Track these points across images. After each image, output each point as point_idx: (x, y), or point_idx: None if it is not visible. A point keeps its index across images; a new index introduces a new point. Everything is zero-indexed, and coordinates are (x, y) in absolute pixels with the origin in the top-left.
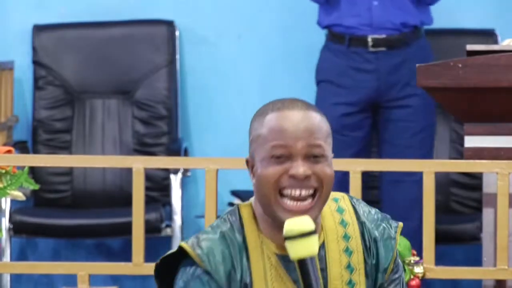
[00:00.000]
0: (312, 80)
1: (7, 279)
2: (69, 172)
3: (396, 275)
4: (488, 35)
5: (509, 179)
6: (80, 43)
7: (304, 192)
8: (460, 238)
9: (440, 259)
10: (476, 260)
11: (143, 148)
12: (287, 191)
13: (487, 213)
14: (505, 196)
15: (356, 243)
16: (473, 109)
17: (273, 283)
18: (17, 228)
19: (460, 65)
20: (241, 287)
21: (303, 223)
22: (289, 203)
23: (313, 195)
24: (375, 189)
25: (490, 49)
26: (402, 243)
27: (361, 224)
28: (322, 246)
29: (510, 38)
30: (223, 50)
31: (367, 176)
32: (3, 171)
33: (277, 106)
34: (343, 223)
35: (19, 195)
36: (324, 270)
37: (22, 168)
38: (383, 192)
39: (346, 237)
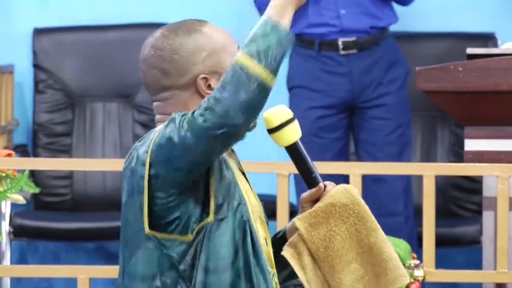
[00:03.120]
0: (280, 86)
1: (7, 282)
2: (69, 175)
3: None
4: (488, 38)
5: (509, 182)
6: (80, 46)
7: None
8: (460, 241)
9: (440, 263)
10: (476, 264)
11: None
12: None
13: (487, 217)
14: (505, 200)
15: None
16: (473, 112)
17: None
18: (17, 232)
19: (460, 69)
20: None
21: (283, 111)
22: None
23: None
24: None
25: (490, 53)
26: (403, 246)
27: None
28: None
29: (510, 42)
30: None
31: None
32: (3, 174)
33: (199, 22)
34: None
35: (19, 198)
36: None
37: (23, 171)
38: (365, 189)
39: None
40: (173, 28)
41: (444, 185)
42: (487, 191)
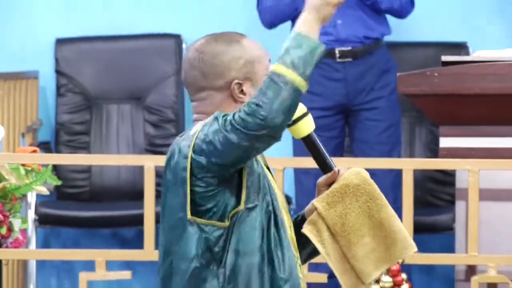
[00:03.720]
0: None
1: (33, 264)
2: (87, 169)
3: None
4: (461, 47)
5: (479, 175)
6: (97, 54)
7: None
8: (435, 228)
9: (418, 247)
10: (449, 248)
11: (153, 148)
12: None
13: (459, 206)
14: (475, 191)
15: None
16: (448, 113)
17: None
18: (41, 220)
19: (436, 74)
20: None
21: (299, 107)
22: None
23: None
24: None
25: (462, 60)
26: None
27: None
28: None
29: (481, 50)
30: None
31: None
32: (29, 168)
33: (237, 35)
34: None
35: (43, 190)
36: None
37: (46, 166)
38: None
39: None
40: (216, 37)
41: (421, 178)
42: (459, 183)
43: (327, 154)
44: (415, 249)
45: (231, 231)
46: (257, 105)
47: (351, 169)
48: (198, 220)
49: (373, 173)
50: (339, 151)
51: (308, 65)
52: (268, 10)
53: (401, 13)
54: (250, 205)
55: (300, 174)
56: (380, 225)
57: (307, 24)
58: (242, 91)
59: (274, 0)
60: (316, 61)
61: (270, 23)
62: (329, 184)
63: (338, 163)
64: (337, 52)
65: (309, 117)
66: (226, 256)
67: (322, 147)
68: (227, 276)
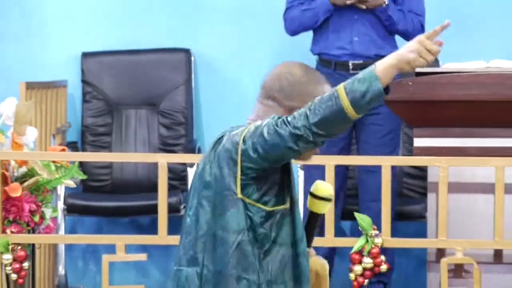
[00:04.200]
0: None
1: (62, 248)
2: (109, 165)
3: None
4: None
5: (448, 171)
6: (117, 66)
7: None
8: (410, 216)
9: (395, 233)
10: (422, 234)
11: (166, 147)
12: None
13: (431, 198)
14: (445, 184)
15: None
16: (420, 117)
17: None
18: (69, 209)
19: (410, 83)
20: None
21: (331, 191)
22: None
23: None
24: (353, 179)
25: (433, 71)
26: (366, 220)
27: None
28: None
29: (449, 63)
30: (228, 71)
31: (347, 169)
32: (59, 165)
33: (323, 79)
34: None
35: (71, 183)
36: None
37: (73, 162)
38: (359, 180)
39: None
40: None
41: (398, 173)
42: (431, 178)
43: (313, 235)
44: None
45: (274, 221)
46: (310, 110)
47: (319, 259)
48: (246, 199)
49: (373, 170)
50: (346, 150)
51: (362, 99)
52: (293, 20)
53: (413, 36)
54: (292, 205)
55: (308, 170)
56: None
57: (386, 67)
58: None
59: (299, 11)
60: (371, 100)
61: (293, 31)
62: None
63: (328, 159)
64: (350, 64)
65: (329, 204)
66: (266, 242)
67: (316, 229)
68: (264, 258)
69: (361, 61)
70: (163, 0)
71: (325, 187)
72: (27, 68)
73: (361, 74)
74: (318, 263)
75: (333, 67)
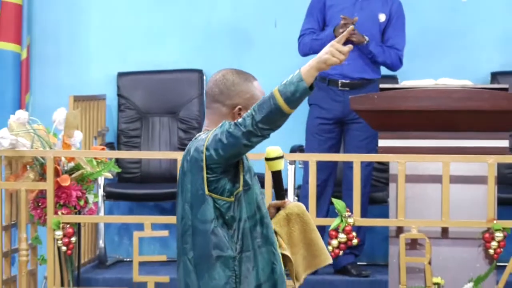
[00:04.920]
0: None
1: (101, 226)
2: (138, 161)
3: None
4: (393, 78)
5: (405, 165)
6: (145, 83)
7: None
8: (375, 201)
9: (365, 214)
10: (385, 215)
11: (183, 147)
12: None
13: (392, 186)
14: (403, 176)
15: None
16: (383, 123)
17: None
18: (107, 195)
19: (376, 97)
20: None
21: (278, 151)
22: None
23: None
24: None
25: (393, 87)
26: (341, 204)
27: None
28: None
29: (406, 81)
30: None
31: (336, 164)
32: (99, 160)
33: (252, 77)
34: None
35: (109, 175)
36: None
37: (111, 159)
38: (343, 174)
39: None
40: (240, 72)
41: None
42: (392, 171)
43: (283, 188)
44: (331, 260)
45: (236, 205)
46: (254, 111)
47: (293, 203)
48: (213, 195)
49: (352, 166)
50: (335, 148)
51: (293, 97)
52: (305, 45)
53: (392, 67)
54: (246, 187)
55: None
56: (311, 242)
57: (308, 68)
58: (239, 115)
59: (310, 40)
60: (301, 96)
61: (304, 54)
62: (277, 208)
63: (311, 156)
64: (339, 83)
65: (282, 161)
66: (233, 222)
67: (282, 182)
68: (234, 235)
69: (348, 81)
70: (182, 31)
71: (273, 149)
72: (75, 84)
73: (290, 77)
74: (294, 206)
75: (327, 83)
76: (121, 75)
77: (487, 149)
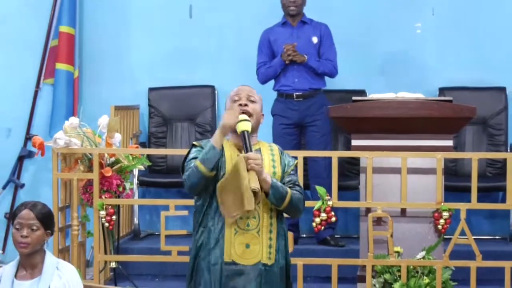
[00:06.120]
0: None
1: (136, 207)
2: (164, 157)
3: (291, 177)
4: (362, 92)
5: (373, 160)
6: (170, 95)
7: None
8: (349, 188)
9: (340, 198)
10: (356, 198)
11: None
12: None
13: (362, 176)
14: (370, 168)
15: (276, 155)
16: (355, 127)
17: (229, 152)
18: (141, 183)
19: (348, 106)
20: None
21: (244, 117)
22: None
23: (250, 116)
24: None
25: (362, 99)
26: (322, 190)
27: (281, 152)
28: (259, 150)
29: (373, 94)
30: None
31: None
32: (134, 156)
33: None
34: (271, 147)
35: (141, 167)
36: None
37: (143, 155)
38: (309, 167)
39: (271, 151)
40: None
41: (341, 161)
42: (362, 164)
43: (250, 145)
44: (252, 207)
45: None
46: (186, 176)
47: (240, 155)
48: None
49: (315, 159)
50: (297, 146)
51: (207, 159)
52: (262, 75)
53: (331, 75)
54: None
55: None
56: (240, 188)
57: (215, 136)
58: None
59: (265, 69)
60: (212, 157)
61: (264, 82)
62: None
63: (296, 153)
64: (294, 95)
65: (247, 123)
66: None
67: (248, 140)
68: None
69: (300, 93)
70: (197, 54)
71: (241, 116)
72: (115, 97)
73: (205, 147)
74: (237, 158)
75: (284, 97)
76: (151, 89)
77: (436, 147)
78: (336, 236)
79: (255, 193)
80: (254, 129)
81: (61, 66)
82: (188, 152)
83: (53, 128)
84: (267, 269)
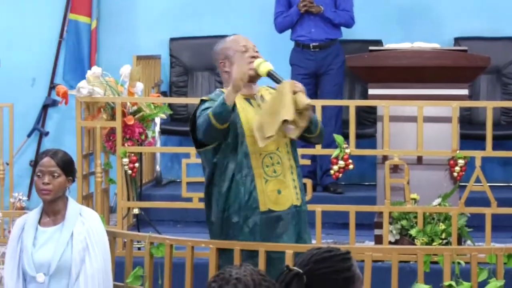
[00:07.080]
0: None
1: (158, 155)
2: (185, 105)
3: None
4: (378, 42)
5: (389, 108)
6: (190, 46)
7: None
8: (366, 136)
9: (357, 146)
10: (373, 146)
11: None
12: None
13: (378, 125)
14: (387, 116)
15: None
16: (372, 76)
17: (241, 104)
18: (162, 131)
19: (366, 56)
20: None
21: (261, 60)
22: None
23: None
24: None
25: (379, 49)
26: (340, 138)
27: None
28: (261, 97)
29: (389, 43)
30: None
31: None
32: (156, 105)
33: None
34: (268, 90)
35: (163, 116)
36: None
37: (165, 103)
38: (323, 112)
39: (269, 90)
40: None
41: (358, 110)
42: (379, 112)
43: (279, 78)
44: (291, 117)
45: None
46: (199, 124)
47: (287, 82)
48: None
49: (327, 106)
50: (313, 97)
51: (220, 115)
52: (279, 24)
53: (347, 26)
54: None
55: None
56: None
57: (228, 93)
58: (225, 66)
59: (282, 18)
60: (225, 115)
61: (281, 30)
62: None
63: (313, 103)
64: (311, 46)
65: (267, 63)
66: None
67: (276, 76)
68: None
69: (317, 43)
70: (216, 4)
71: (261, 61)
72: (138, 47)
73: (218, 101)
74: (284, 83)
75: (301, 47)
76: (172, 39)
77: (451, 96)
78: (343, 183)
79: (304, 110)
80: (256, 78)
81: (79, 18)
82: (197, 108)
83: (65, 78)
84: (298, 210)
